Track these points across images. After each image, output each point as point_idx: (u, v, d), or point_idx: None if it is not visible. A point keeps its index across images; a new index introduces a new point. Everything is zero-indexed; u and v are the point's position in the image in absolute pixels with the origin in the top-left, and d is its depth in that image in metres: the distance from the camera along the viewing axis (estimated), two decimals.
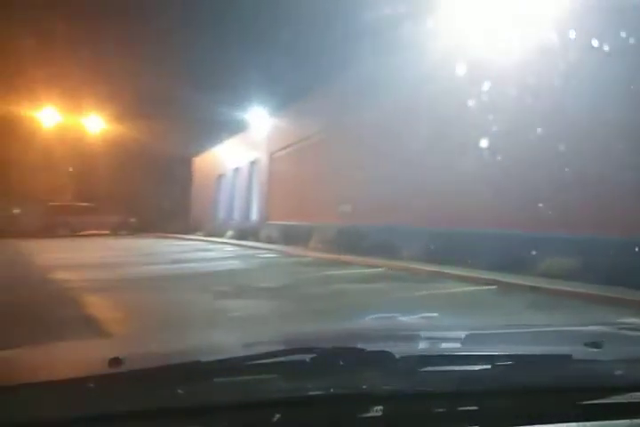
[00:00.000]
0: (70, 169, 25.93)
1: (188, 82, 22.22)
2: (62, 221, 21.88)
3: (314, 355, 0.94)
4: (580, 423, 0.89)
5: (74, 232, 21.77)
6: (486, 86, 8.62)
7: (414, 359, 0.99)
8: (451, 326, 2.34)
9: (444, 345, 1.45)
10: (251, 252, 13.65)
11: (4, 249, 14.66)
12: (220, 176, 23.29)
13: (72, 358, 1.21)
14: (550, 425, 0.89)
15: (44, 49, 21.72)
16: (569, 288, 6.28)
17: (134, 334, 3.10)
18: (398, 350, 0.99)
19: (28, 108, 23.51)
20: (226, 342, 1.54)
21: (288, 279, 8.30)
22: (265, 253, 13.24)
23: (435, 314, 5.04)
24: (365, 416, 0.86)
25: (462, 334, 1.48)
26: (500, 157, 8.38)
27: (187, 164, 26.66)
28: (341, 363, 0.94)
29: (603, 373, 1.01)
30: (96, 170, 25.33)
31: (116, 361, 0.94)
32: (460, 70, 9.07)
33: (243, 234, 17.65)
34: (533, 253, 7.38)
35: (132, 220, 23.93)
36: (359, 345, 1.03)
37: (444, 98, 9.50)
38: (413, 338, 1.55)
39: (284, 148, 17.20)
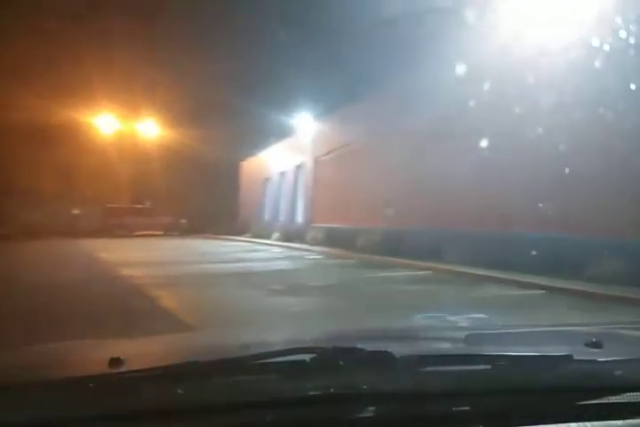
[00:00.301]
0: (126, 173, 27.31)
1: (238, 89, 23.11)
2: (119, 222, 23.18)
3: (314, 355, 0.94)
4: (581, 423, 0.90)
5: (129, 233, 23.00)
6: (530, 90, 8.73)
7: (414, 359, 1.00)
8: (452, 326, 2.52)
9: (444, 345, 1.45)
10: (297, 253, 14.14)
11: (70, 248, 15.77)
12: (267, 180, 24.00)
13: (72, 358, 1.21)
14: (550, 425, 0.89)
15: (104, 59, 23.10)
16: (618, 293, 6.20)
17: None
18: (398, 350, 1.00)
19: (89, 116, 25.00)
20: (226, 342, 1.52)
21: (336, 279, 8.68)
22: (311, 254, 13.70)
23: (483, 315, 5.24)
24: (365, 416, 0.87)
25: (462, 334, 1.49)
26: (547, 161, 8.46)
27: (235, 168, 27.56)
28: (341, 363, 0.94)
29: (603, 373, 1.00)
30: (150, 174, 26.63)
31: (116, 361, 0.94)
32: (502, 76, 9.24)
33: (288, 236, 18.19)
34: (582, 257, 7.32)
35: (183, 221, 25.02)
36: (359, 345, 1.03)
37: (487, 103, 9.65)
38: (413, 338, 1.58)
39: (329, 152, 17.64)
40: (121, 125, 26.21)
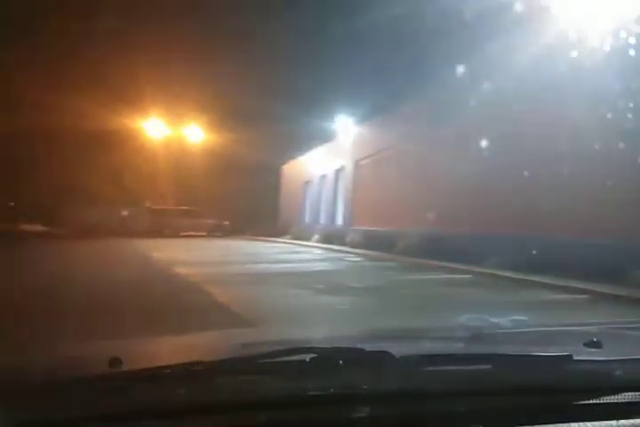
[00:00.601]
0: (173, 176, 28.42)
1: (280, 95, 23.75)
2: (165, 223, 24.19)
3: (314, 355, 0.95)
4: (581, 423, 0.90)
5: (175, 233, 23.95)
6: (573, 95, 8.76)
7: (414, 359, 1.00)
8: (452, 326, 2.60)
9: (444, 345, 1.46)
10: (337, 255, 14.45)
11: (122, 247, 16.66)
12: (307, 183, 24.49)
13: (72, 358, 1.21)
14: (550, 425, 0.89)
15: (154, 68, 24.18)
16: None
17: (139, 333, 3.34)
18: (398, 350, 1.00)
19: (140, 122, 26.18)
20: (226, 342, 1.53)
21: (377, 281, 8.96)
22: (351, 256, 13.98)
23: (524, 317, 5.34)
24: (365, 416, 0.87)
25: (462, 334, 1.51)
26: (590, 167, 8.47)
27: (276, 171, 28.21)
28: (341, 363, 0.94)
29: (603, 373, 1.01)
30: (195, 177, 27.65)
31: (116, 361, 0.95)
32: (542, 81, 9.32)
33: (328, 238, 18.57)
34: (626, 262, 7.28)
35: (226, 223, 25.82)
36: (359, 345, 1.04)
37: (529, 107, 9.72)
38: (413, 338, 1.59)
39: (369, 156, 17.92)
40: (169, 131, 27.33)
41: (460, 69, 12.86)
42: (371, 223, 16.58)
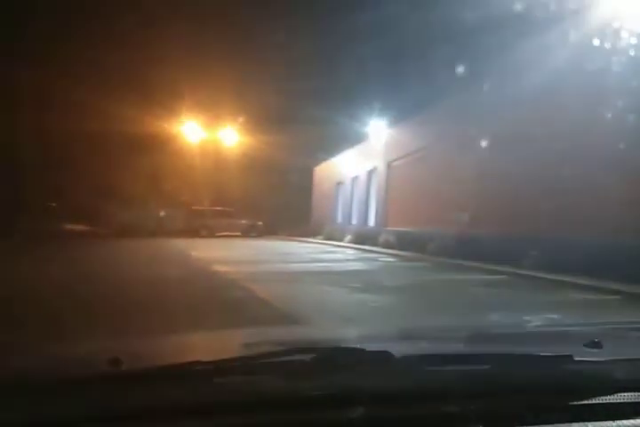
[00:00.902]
0: (208, 178, 29.18)
1: (313, 97, 24.10)
2: (202, 224, 24.88)
3: (314, 355, 0.95)
4: (581, 423, 0.90)
5: (211, 233, 24.59)
6: (614, 94, 8.72)
7: (414, 359, 1.01)
8: (453, 326, 2.63)
9: (444, 345, 1.46)
10: (370, 255, 14.65)
11: (161, 246, 17.28)
12: (339, 184, 24.75)
13: (72, 358, 1.22)
14: (550, 425, 0.89)
15: (191, 72, 24.94)
16: None
17: (138, 333, 3.38)
18: (398, 350, 1.01)
19: (177, 125, 26.99)
20: (226, 342, 1.53)
21: (410, 281, 9.10)
22: (384, 256, 14.15)
23: (556, 316, 5.47)
24: (366, 416, 0.87)
25: (462, 334, 1.51)
26: (624, 168, 8.44)
27: (308, 173, 28.59)
28: (341, 363, 0.94)
29: (603, 373, 1.01)
30: (230, 178, 28.31)
31: (116, 361, 0.95)
32: (581, 80, 9.30)
33: (361, 238, 18.77)
34: None
35: (259, 223, 26.33)
36: (359, 345, 1.04)
37: (564, 107, 9.71)
38: (413, 338, 1.61)
39: (402, 157, 18.04)
40: (205, 134, 28.06)
41: (493, 70, 12.89)
42: (403, 224, 16.71)
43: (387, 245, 16.40)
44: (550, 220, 9.94)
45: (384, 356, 0.97)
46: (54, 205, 36.38)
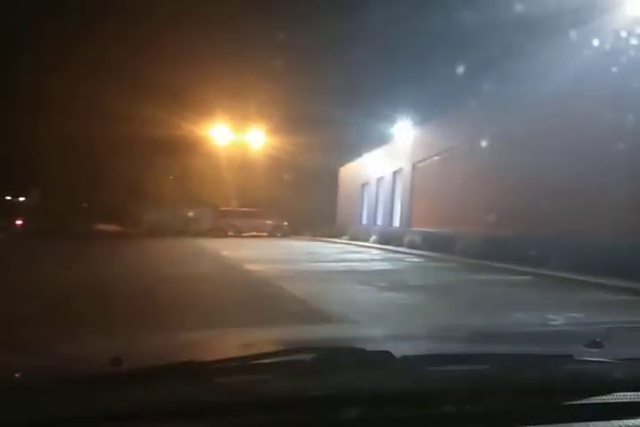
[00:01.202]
0: (235, 179, 29.73)
1: (338, 99, 24.37)
2: (230, 224, 25.40)
3: (314, 355, 0.96)
4: (581, 423, 0.90)
5: (238, 233, 25.09)
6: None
7: (414, 359, 1.01)
8: (453, 326, 2.69)
9: (444, 345, 1.46)
10: (396, 255, 14.78)
11: (191, 246, 17.76)
12: (364, 185, 24.93)
13: (72, 357, 1.22)
14: (550, 425, 0.90)
15: (220, 76, 25.48)
16: None
17: (136, 332, 3.41)
18: (398, 350, 1.00)
19: (203, 127, 27.60)
20: (226, 342, 1.54)
21: (436, 280, 9.23)
22: (409, 257, 14.26)
23: (580, 315, 5.58)
24: (366, 416, 0.88)
25: (462, 334, 1.52)
26: None
27: (333, 173, 28.84)
28: (341, 363, 0.95)
29: (603, 373, 1.01)
30: (256, 179, 28.81)
31: (116, 361, 0.95)
32: (610, 78, 9.28)
33: (386, 239, 18.92)
34: None
35: (285, 224, 26.72)
36: (359, 345, 1.05)
37: (592, 106, 9.70)
38: (413, 338, 1.61)
39: (427, 158, 18.12)
40: (232, 136, 28.61)
41: (519, 71, 12.92)
42: (429, 225, 16.79)
43: (412, 246, 16.50)
44: (577, 220, 9.95)
45: (384, 356, 0.97)
46: (86, 206, 37.62)
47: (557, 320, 5.23)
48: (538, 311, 5.87)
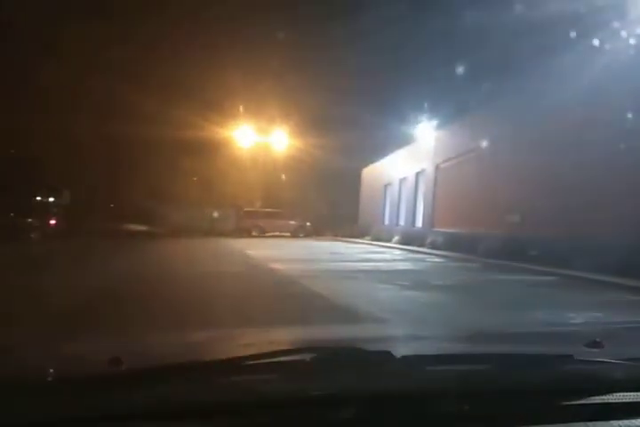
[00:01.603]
0: (259, 180, 30.16)
1: (361, 100, 24.53)
2: (253, 224, 25.79)
3: (314, 355, 0.96)
4: (581, 423, 0.90)
5: (262, 233, 25.46)
6: None
7: (414, 359, 1.01)
8: (453, 326, 2.73)
9: (444, 345, 1.46)
10: (418, 256, 14.87)
11: (217, 246, 18.14)
12: (387, 186, 25.02)
13: (72, 357, 1.22)
14: (551, 425, 0.90)
15: (244, 79, 25.91)
16: None
17: (136, 332, 3.62)
18: (398, 350, 1.01)
19: (227, 129, 28.06)
20: (226, 342, 1.53)
21: (458, 280, 9.34)
22: (432, 257, 14.32)
23: (599, 314, 5.67)
24: (366, 416, 0.87)
25: (462, 334, 1.54)
26: None
27: (356, 174, 29.00)
28: (341, 363, 0.95)
29: (603, 373, 1.00)
30: (279, 180, 29.19)
31: (116, 361, 0.95)
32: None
33: (408, 239, 19.00)
34: None
35: (308, 224, 26.98)
36: (359, 345, 1.05)
37: (620, 110, 9.68)
38: (413, 338, 1.62)
39: (451, 159, 18.14)
40: (256, 137, 29.02)
41: (543, 71, 12.89)
42: (451, 225, 16.82)
43: (434, 246, 16.56)
44: (600, 221, 9.92)
45: (384, 356, 0.98)
46: (113, 206, 38.59)
47: (578, 319, 5.32)
48: (560, 311, 5.95)
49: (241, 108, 27.15)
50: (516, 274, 10.08)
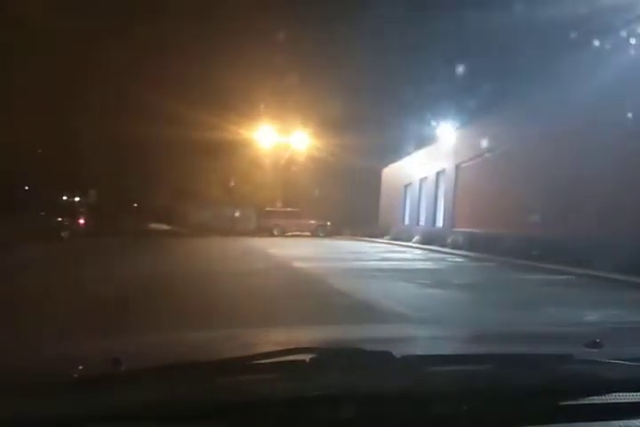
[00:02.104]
0: (279, 180, 30.50)
1: (381, 100, 24.63)
2: (274, 224, 26.11)
3: (314, 355, 0.95)
4: (582, 423, 0.90)
5: (282, 233, 25.76)
6: None
7: (414, 359, 1.01)
8: (453, 326, 2.78)
9: (444, 345, 1.46)
10: (438, 255, 14.93)
11: (239, 245, 18.47)
12: (407, 185, 25.06)
13: (72, 357, 1.22)
14: (551, 425, 0.90)
15: (266, 80, 26.27)
16: None
17: (136, 332, 3.47)
18: (398, 350, 1.01)
19: (249, 130, 28.43)
20: (226, 342, 1.53)
21: (478, 279, 9.45)
22: (452, 257, 14.37)
23: (615, 311, 5.78)
24: (366, 416, 0.88)
25: (462, 334, 1.53)
26: None
27: (376, 174, 29.10)
28: (341, 363, 0.95)
29: (603, 373, 1.01)
30: (300, 180, 29.46)
31: (116, 361, 0.95)
32: None
33: (428, 239, 19.04)
34: None
35: (328, 224, 27.20)
36: (359, 345, 1.04)
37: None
38: (413, 338, 1.62)
39: (471, 159, 18.13)
40: (277, 138, 29.34)
41: (564, 70, 12.86)
42: (471, 225, 16.84)
43: (455, 246, 16.57)
44: (620, 221, 9.91)
45: (384, 356, 0.98)
46: (136, 205, 39.44)
47: (592, 318, 5.41)
48: (577, 310, 6.05)
49: (262, 109, 27.52)
50: (536, 273, 10.13)
